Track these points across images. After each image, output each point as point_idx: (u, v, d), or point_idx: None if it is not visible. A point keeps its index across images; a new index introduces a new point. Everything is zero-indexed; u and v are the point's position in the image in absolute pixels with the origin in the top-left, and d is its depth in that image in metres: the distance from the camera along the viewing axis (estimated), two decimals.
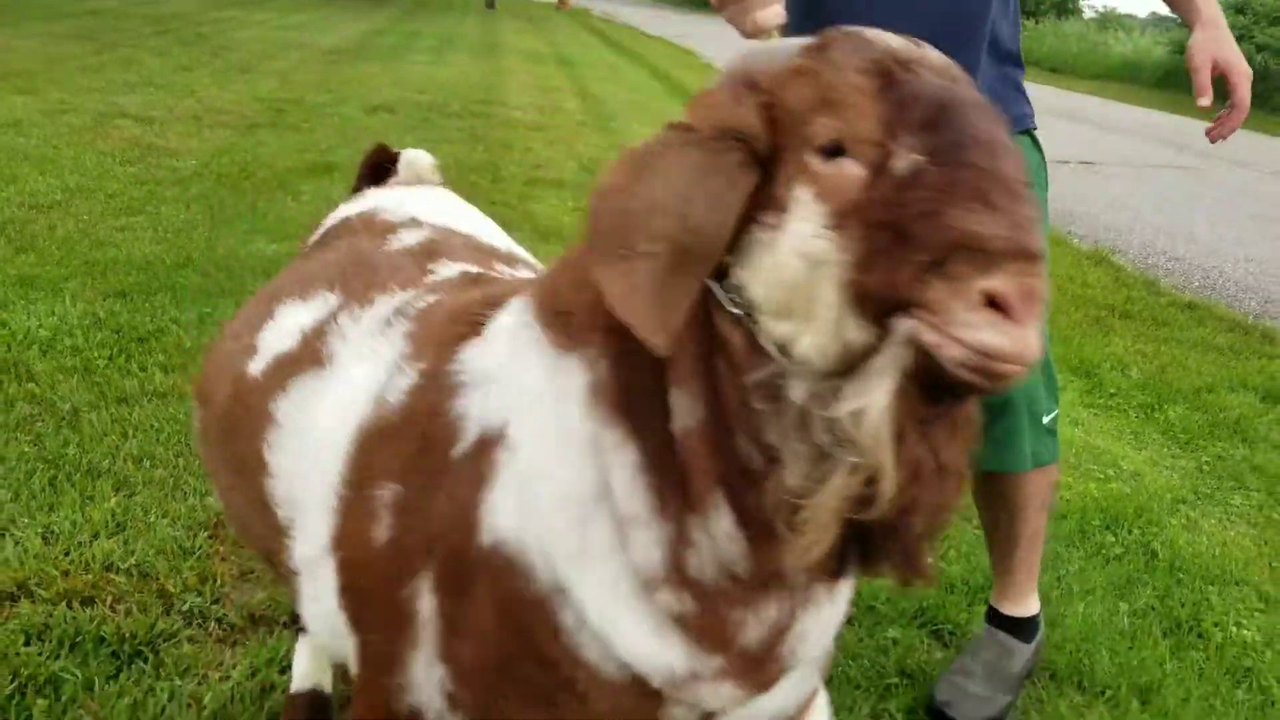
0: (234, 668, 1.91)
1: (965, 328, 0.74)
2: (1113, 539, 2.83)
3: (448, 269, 1.28)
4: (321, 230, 1.64)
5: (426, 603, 0.97)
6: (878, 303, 0.77)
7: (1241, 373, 4.38)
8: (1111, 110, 15.78)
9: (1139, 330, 4.82)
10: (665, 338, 0.81)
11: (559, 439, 0.90)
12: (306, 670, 1.76)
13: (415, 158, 1.79)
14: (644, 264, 0.80)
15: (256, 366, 1.24)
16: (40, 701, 1.78)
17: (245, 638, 2.02)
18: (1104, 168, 9.65)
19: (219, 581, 2.16)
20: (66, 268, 3.84)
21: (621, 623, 0.89)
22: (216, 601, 2.10)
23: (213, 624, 2.04)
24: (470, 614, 0.93)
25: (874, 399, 0.77)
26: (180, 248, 4.23)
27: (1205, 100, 1.74)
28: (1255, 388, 4.22)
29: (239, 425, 1.23)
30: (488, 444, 0.94)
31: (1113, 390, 4.05)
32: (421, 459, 1.00)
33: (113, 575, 2.13)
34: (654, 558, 0.89)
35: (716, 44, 20.11)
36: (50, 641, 1.92)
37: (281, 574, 1.24)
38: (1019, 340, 0.74)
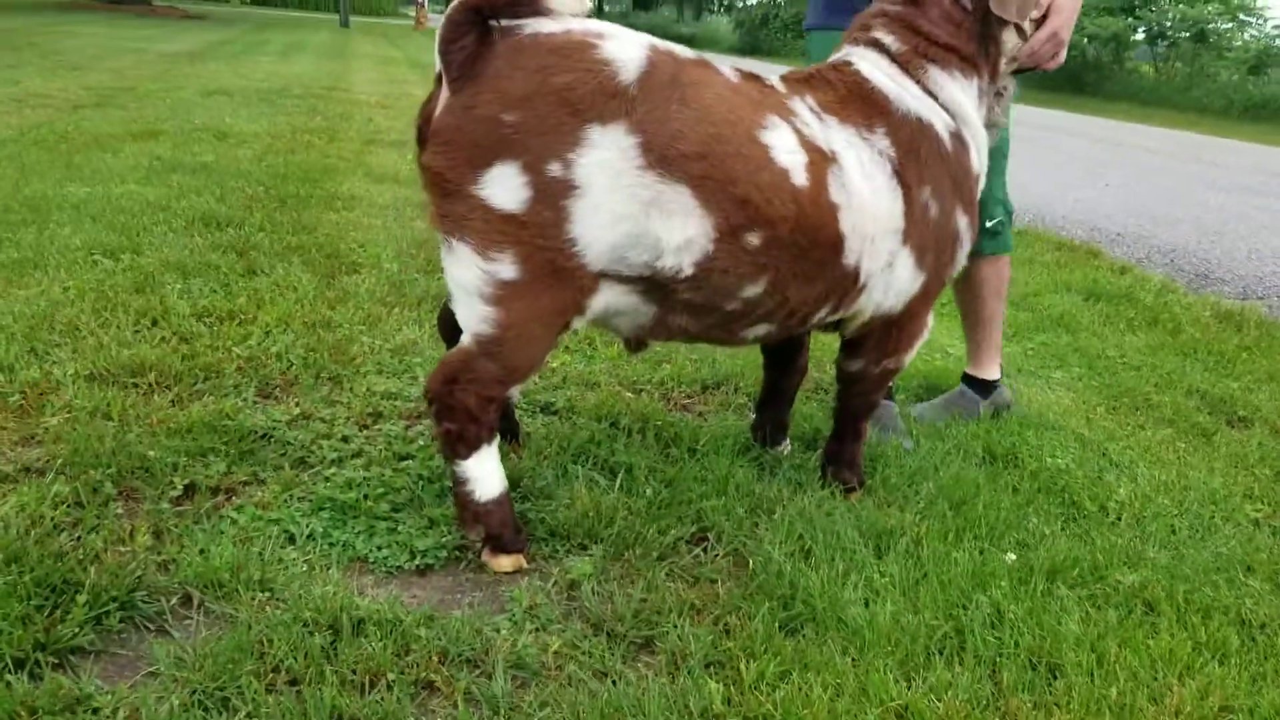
0: (6, 504, 1.79)
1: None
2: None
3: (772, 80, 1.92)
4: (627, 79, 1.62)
5: (964, 222, 2.04)
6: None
7: (1067, 279, 4.54)
8: None
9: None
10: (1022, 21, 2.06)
11: (977, 111, 2.08)
12: (501, 474, 1.84)
13: None
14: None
15: (800, 180, 1.76)
16: None
17: (18, 486, 1.89)
18: None
19: None
20: None
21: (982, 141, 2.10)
22: None
23: None
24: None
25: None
26: None
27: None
28: (1079, 290, 4.38)
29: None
30: (957, 134, 2.00)
31: (944, 301, 4.14)
32: (930, 166, 1.94)
33: None
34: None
35: None
36: None
37: (825, 316, 1.99)
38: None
